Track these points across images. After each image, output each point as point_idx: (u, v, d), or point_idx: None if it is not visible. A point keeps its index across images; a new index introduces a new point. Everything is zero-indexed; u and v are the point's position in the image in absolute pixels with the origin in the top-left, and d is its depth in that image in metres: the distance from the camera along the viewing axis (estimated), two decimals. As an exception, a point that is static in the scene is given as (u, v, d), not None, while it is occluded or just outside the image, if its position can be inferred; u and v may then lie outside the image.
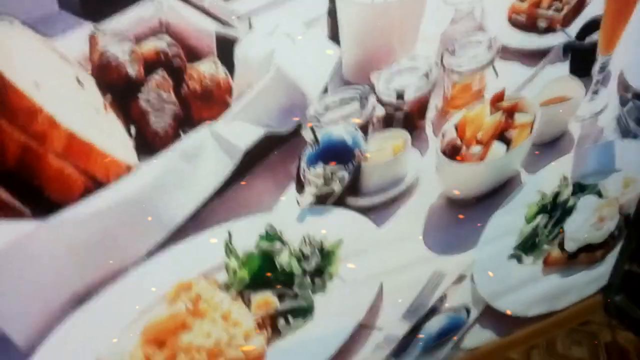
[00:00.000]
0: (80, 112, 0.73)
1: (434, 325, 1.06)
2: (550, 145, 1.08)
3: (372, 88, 0.92)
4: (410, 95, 0.95)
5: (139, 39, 0.77)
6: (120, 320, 0.83)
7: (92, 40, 0.76)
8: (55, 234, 0.74)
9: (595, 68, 1.08)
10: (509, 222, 1.09)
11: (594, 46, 1.06)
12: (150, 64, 0.78)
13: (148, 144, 0.79)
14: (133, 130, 0.78)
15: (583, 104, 1.11)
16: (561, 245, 1.13)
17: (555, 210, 1.11)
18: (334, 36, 0.87)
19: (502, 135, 1.03)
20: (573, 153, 1.09)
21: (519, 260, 1.09)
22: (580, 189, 1.12)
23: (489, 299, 1.06)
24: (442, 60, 0.96)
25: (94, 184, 0.76)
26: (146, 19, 0.74)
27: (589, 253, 1.16)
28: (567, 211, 1.12)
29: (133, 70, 0.75)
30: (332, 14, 0.83)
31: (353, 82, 0.91)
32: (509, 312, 1.10)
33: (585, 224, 1.13)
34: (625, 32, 1.05)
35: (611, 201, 1.14)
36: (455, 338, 1.08)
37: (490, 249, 1.07)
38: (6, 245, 0.72)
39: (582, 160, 1.11)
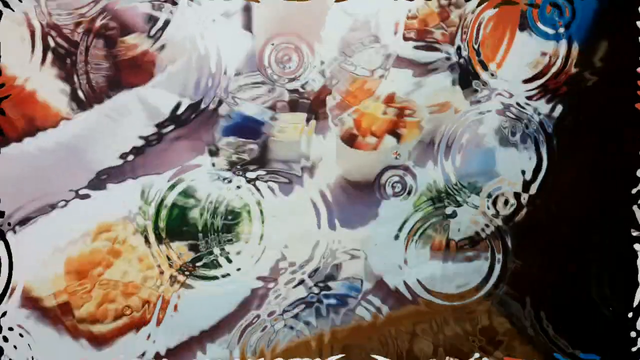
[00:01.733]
0: (26, 66, 0.88)
1: (332, 290, 1.22)
2: (439, 145, 1.20)
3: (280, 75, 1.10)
4: (312, 86, 1.13)
5: (80, 11, 0.92)
6: (48, 249, 0.96)
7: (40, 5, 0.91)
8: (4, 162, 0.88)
9: (478, 80, 1.22)
10: (399, 207, 1.27)
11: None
12: (89, 31, 0.93)
13: (81, 99, 0.95)
14: (68, 86, 0.94)
15: (468, 111, 1.31)
16: (447, 234, 1.31)
17: (440, 201, 1.29)
18: (248, 25, 1.05)
19: (393, 131, 1.22)
20: (458, 154, 1.30)
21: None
22: (464, 187, 1.31)
23: (379, 274, 1.23)
24: (341, 60, 1.15)
25: (34, 127, 0.91)
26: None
27: (475, 245, 1.34)
28: (452, 204, 1.30)
29: (74, 34, 0.91)
30: (248, 6, 1.00)
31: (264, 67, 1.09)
32: (397, 287, 1.27)
33: (467, 219, 1.32)
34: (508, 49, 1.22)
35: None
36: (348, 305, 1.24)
37: (381, 229, 1.24)
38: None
39: (465, 162, 1.31)
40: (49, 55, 0.91)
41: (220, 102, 1.04)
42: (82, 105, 0.94)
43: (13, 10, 0.93)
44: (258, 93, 1.08)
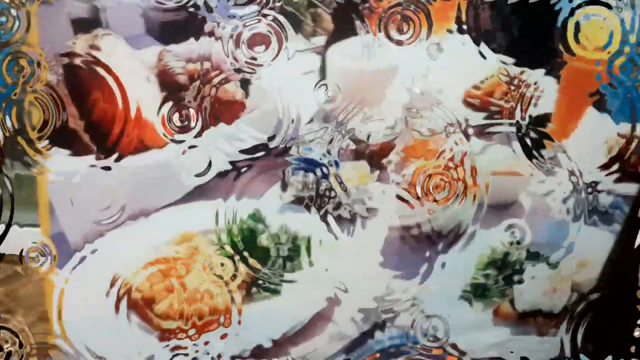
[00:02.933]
0: (145, 98, 1.14)
1: (385, 335, 1.30)
2: (502, 209, 1.27)
3: (347, 127, 1.27)
4: (376, 139, 1.28)
5: (189, 60, 1.18)
6: (138, 249, 1.14)
7: (161, 54, 1.19)
8: (111, 172, 1.13)
9: (545, 154, 1.29)
10: (460, 265, 1.31)
11: (544, 134, 1.29)
12: (194, 77, 1.19)
13: (182, 128, 1.18)
14: (174, 117, 1.18)
15: (533, 181, 1.32)
16: (512, 302, 1.34)
17: (505, 267, 1.33)
18: (322, 85, 1.25)
19: (455, 192, 1.25)
20: (524, 221, 1.29)
21: (470, 302, 1.28)
22: (531, 256, 1.28)
23: (437, 330, 1.29)
24: (405, 120, 1.30)
25: (143, 147, 1.15)
26: (196, 49, 1.16)
27: (540, 319, 1.35)
28: (517, 272, 1.33)
29: (182, 78, 1.17)
30: (323, 68, 1.21)
31: (333, 120, 1.26)
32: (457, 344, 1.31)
33: (535, 290, 1.34)
34: (578, 127, 1.29)
35: (564, 278, 1.34)
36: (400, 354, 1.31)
37: (441, 284, 1.31)
38: (77, 171, 1.12)
39: (532, 230, 1.28)
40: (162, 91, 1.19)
41: (292, 144, 1.24)
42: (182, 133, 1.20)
43: (157, 47, 1.20)
44: (326, 140, 1.26)
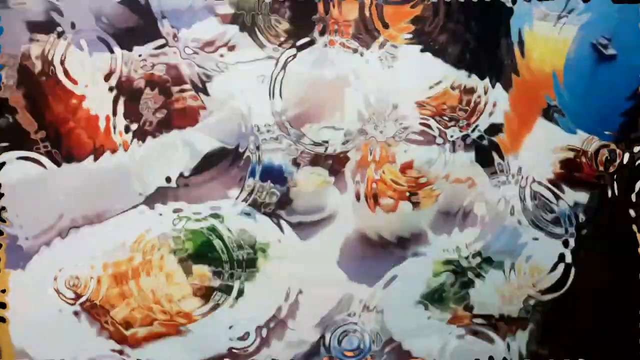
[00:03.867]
0: (99, 103, 1.14)
1: (342, 340, 1.31)
2: (456, 215, 1.29)
3: (305, 134, 1.29)
4: (333, 147, 1.30)
5: (145, 65, 1.19)
6: (93, 253, 1.14)
7: (117, 59, 1.19)
8: (66, 176, 1.12)
9: (499, 163, 1.32)
10: (417, 271, 1.30)
11: (496, 144, 1.32)
12: (151, 82, 1.19)
13: (139, 133, 1.18)
14: (131, 122, 1.19)
15: (487, 189, 1.37)
16: (468, 307, 1.37)
17: (461, 274, 1.34)
18: (280, 92, 1.26)
19: (410, 197, 1.27)
20: (478, 228, 1.31)
21: (426, 307, 1.29)
22: (486, 262, 1.30)
23: (394, 334, 1.30)
24: (361, 127, 1.32)
25: (98, 150, 1.15)
26: (153, 54, 1.17)
27: (496, 323, 1.37)
28: (472, 280, 1.35)
29: (138, 83, 1.17)
30: (280, 76, 1.23)
31: (291, 127, 1.28)
32: (411, 352, 1.32)
33: (490, 296, 1.36)
34: (529, 137, 1.32)
35: (520, 284, 1.37)
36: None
37: (399, 289, 1.33)
38: (32, 175, 1.10)
39: (487, 236, 1.30)
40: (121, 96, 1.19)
41: (250, 150, 1.25)
42: (139, 137, 1.19)
43: (113, 52, 1.20)
44: (284, 146, 1.28)
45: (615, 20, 1.27)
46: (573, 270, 1.29)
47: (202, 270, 1.19)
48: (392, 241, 1.26)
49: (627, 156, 1.32)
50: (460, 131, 1.46)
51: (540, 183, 1.39)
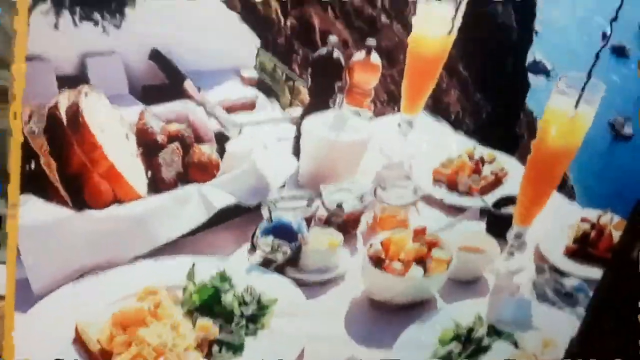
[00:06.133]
0: (122, 154, 1.18)
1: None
2: (466, 284, 1.30)
3: (319, 195, 1.31)
4: (346, 208, 1.32)
5: (168, 121, 1.23)
6: (102, 299, 1.16)
7: (141, 114, 1.24)
8: (82, 223, 1.14)
9: (511, 234, 1.31)
10: (424, 337, 1.31)
11: (509, 216, 1.32)
12: (172, 137, 1.24)
13: (156, 185, 1.22)
14: (149, 174, 1.22)
15: (498, 260, 1.38)
16: (475, 372, 1.32)
17: (469, 343, 1.32)
18: (297, 152, 1.29)
19: (421, 262, 1.26)
20: (488, 298, 1.31)
21: None
22: (495, 332, 1.31)
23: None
24: (375, 191, 1.34)
25: (115, 200, 1.17)
26: (176, 111, 1.21)
27: None
28: (482, 349, 1.33)
29: (160, 138, 1.22)
30: (297, 137, 1.26)
31: (305, 187, 1.31)
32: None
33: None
34: (543, 210, 1.29)
35: (529, 356, 1.33)
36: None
37: (405, 355, 1.30)
38: (49, 220, 1.12)
39: (497, 308, 1.30)
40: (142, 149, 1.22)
41: (264, 207, 1.27)
42: (154, 189, 1.22)
43: (137, 107, 1.23)
44: (297, 205, 1.30)
45: (633, 101, 1.29)
46: (582, 343, 1.26)
47: (207, 324, 1.18)
48: (400, 306, 1.25)
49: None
50: (474, 201, 1.47)
51: (552, 256, 1.39)
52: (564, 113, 1.22)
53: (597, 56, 1.16)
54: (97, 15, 1.27)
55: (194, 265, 1.19)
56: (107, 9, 1.30)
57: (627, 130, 1.39)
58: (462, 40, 1.40)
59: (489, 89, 1.43)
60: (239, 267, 1.23)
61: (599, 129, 1.31)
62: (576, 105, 1.19)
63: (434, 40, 1.40)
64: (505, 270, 1.34)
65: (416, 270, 1.25)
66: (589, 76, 1.17)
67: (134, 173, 1.22)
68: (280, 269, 1.24)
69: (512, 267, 1.35)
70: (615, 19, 1.16)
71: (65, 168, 1.16)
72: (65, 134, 1.18)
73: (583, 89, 1.17)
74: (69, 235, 1.14)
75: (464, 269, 1.29)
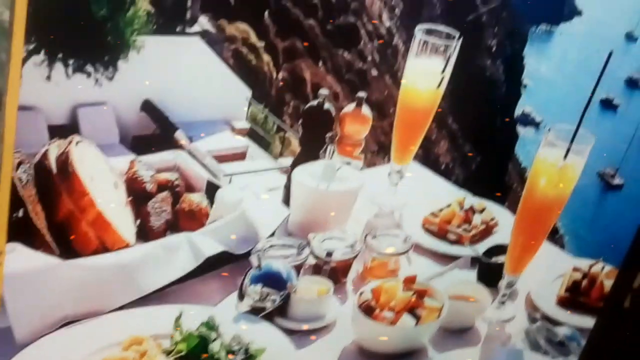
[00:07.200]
0: (110, 203, 1.17)
1: None
2: (458, 334, 1.28)
3: (308, 243, 1.30)
4: (336, 256, 1.31)
5: (159, 170, 1.23)
6: (86, 348, 1.13)
7: (131, 164, 1.24)
8: (68, 271, 1.12)
9: (502, 283, 1.31)
10: None
11: (500, 265, 1.32)
12: (162, 186, 1.24)
13: (145, 233, 1.21)
14: (138, 222, 1.21)
15: (490, 309, 1.36)
16: None
17: None
18: (287, 201, 1.29)
19: (412, 311, 1.25)
20: (480, 348, 1.29)
21: None
22: None
23: None
24: (365, 239, 1.33)
25: (103, 248, 1.16)
26: (166, 160, 1.22)
27: None
28: None
29: (150, 186, 1.22)
30: (288, 187, 1.26)
31: (295, 235, 1.30)
32: None
33: None
34: (534, 259, 1.29)
35: None
36: None
37: None
38: (35, 268, 1.11)
39: (489, 357, 1.26)
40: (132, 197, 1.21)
41: (253, 255, 1.26)
42: (143, 237, 1.21)
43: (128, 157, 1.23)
44: (287, 253, 1.29)
45: (622, 152, 1.30)
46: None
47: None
48: (391, 355, 1.23)
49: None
50: (465, 250, 1.47)
51: (544, 305, 1.38)
52: (553, 164, 1.23)
53: (586, 108, 1.18)
54: (90, 68, 1.29)
55: (180, 313, 1.17)
56: (100, 61, 1.32)
57: (617, 180, 1.40)
58: (452, 93, 1.43)
59: (479, 140, 1.45)
60: (227, 315, 1.20)
61: (589, 179, 1.32)
62: (565, 156, 1.21)
63: (424, 93, 1.42)
64: (497, 319, 1.33)
65: (407, 320, 1.24)
66: (578, 127, 1.18)
67: (123, 221, 1.21)
68: (269, 318, 1.22)
69: (504, 316, 1.35)
70: (602, 73, 1.18)
71: (52, 216, 1.16)
72: (54, 182, 1.18)
73: (572, 140, 1.19)
74: (54, 283, 1.12)
75: (455, 318, 1.28)
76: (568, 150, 1.19)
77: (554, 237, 1.40)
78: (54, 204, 1.18)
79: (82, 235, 1.16)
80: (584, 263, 1.45)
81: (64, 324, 1.13)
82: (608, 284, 1.37)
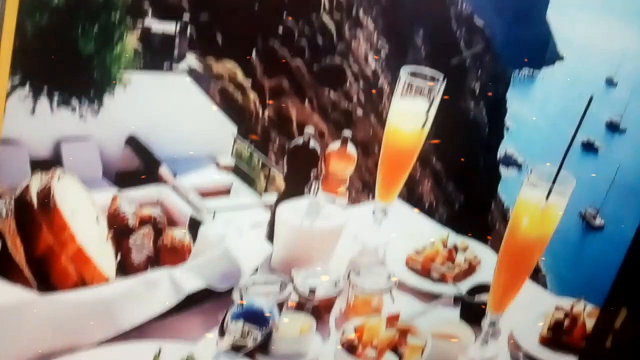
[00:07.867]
0: (91, 237, 1.16)
1: None
2: None
3: (292, 280, 1.29)
4: (319, 294, 1.30)
5: (142, 205, 1.23)
6: None
7: (114, 198, 1.23)
8: (46, 306, 1.10)
9: (485, 322, 1.29)
10: None
11: (483, 303, 1.31)
12: (144, 221, 1.23)
13: (125, 268, 1.19)
14: (119, 257, 1.20)
15: (472, 348, 1.37)
16: None
17: None
18: (270, 237, 1.29)
19: (395, 349, 1.25)
20: None
21: None
22: None
23: None
24: (349, 277, 1.33)
25: (82, 283, 1.15)
26: (149, 195, 1.21)
27: None
28: None
29: (131, 222, 1.21)
30: (272, 223, 1.26)
31: (278, 272, 1.29)
32: None
33: None
34: (516, 297, 1.27)
35: None
36: None
37: None
38: (11, 302, 1.09)
39: None
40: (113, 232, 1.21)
41: (235, 291, 1.25)
42: (123, 272, 1.19)
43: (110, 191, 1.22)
44: (269, 290, 1.28)
45: (603, 193, 1.32)
46: None
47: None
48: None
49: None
50: (448, 288, 1.47)
51: (526, 345, 1.37)
52: (536, 205, 1.24)
53: (568, 150, 1.20)
54: (75, 102, 1.30)
55: (159, 350, 1.15)
56: (86, 95, 1.33)
57: (598, 221, 1.42)
58: (436, 134, 1.44)
59: (462, 180, 1.47)
60: (207, 352, 1.18)
61: (570, 219, 1.33)
62: (547, 197, 1.22)
63: (408, 134, 1.44)
64: (480, 358, 1.32)
65: (390, 358, 1.24)
66: (560, 169, 1.20)
67: (103, 256, 1.20)
68: (250, 355, 1.21)
69: (487, 355, 1.34)
70: (583, 117, 1.20)
71: (32, 250, 1.14)
72: (34, 216, 1.16)
73: (554, 181, 1.20)
74: (32, 318, 1.10)
75: (438, 357, 1.27)
76: (550, 191, 1.21)
77: (537, 276, 1.40)
78: (34, 238, 1.16)
79: (62, 270, 1.14)
80: (566, 302, 1.45)
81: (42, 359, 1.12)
82: (590, 323, 1.37)
